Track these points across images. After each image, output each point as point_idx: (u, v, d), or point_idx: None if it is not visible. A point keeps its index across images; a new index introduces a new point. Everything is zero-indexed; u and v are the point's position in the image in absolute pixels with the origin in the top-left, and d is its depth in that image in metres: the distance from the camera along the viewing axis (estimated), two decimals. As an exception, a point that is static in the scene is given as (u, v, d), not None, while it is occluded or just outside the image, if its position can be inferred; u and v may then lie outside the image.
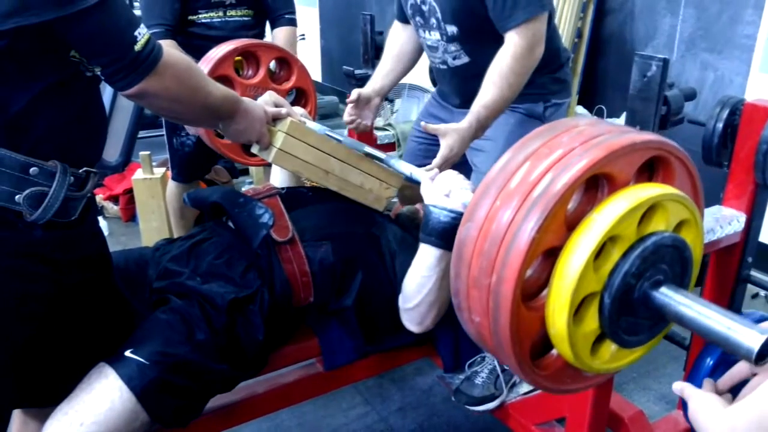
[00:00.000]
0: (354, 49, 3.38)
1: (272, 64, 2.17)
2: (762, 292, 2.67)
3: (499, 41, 1.68)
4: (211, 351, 1.26)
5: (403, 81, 2.13)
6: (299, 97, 2.21)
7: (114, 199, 3.57)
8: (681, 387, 0.81)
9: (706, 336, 0.77)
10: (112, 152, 3.74)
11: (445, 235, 1.28)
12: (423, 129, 1.71)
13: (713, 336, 0.76)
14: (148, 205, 3.05)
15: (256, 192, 1.58)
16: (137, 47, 1.02)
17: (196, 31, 2.32)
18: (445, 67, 1.91)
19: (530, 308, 0.80)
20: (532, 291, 0.81)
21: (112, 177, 3.65)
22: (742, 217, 1.40)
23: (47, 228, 1.04)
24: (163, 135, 2.55)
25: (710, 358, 1.29)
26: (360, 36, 2.53)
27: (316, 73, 5.72)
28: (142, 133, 3.85)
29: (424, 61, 2.08)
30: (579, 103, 3.46)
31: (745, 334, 0.72)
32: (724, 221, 1.37)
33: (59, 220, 1.05)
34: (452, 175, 1.37)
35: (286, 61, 2.15)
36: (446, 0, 1.75)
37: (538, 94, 1.87)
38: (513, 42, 1.65)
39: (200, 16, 2.31)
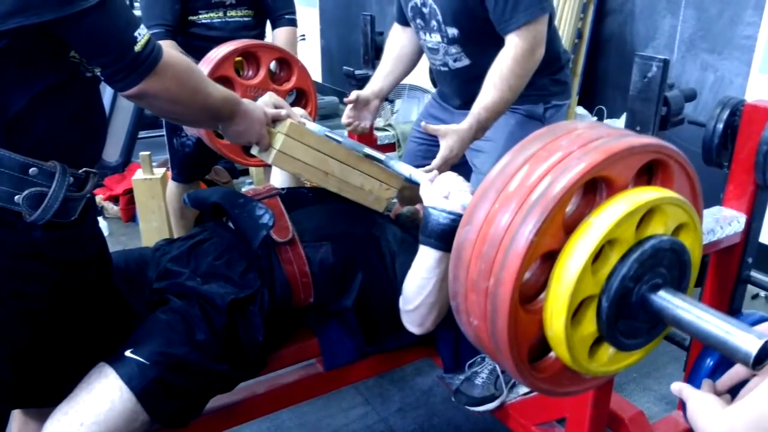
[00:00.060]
0: (354, 49, 3.39)
1: (272, 65, 2.17)
2: (762, 293, 2.67)
3: (499, 43, 1.68)
4: (211, 351, 1.26)
5: (404, 81, 2.14)
6: (300, 97, 2.20)
7: (114, 199, 3.57)
8: (679, 387, 0.81)
9: (704, 340, 0.77)
10: (112, 152, 3.76)
11: (445, 237, 1.28)
12: (423, 129, 1.71)
13: (711, 340, 0.76)
14: (148, 205, 3.05)
15: (256, 192, 1.58)
16: (137, 48, 1.02)
17: (196, 31, 2.32)
18: (446, 69, 1.91)
19: (528, 311, 0.80)
20: (530, 294, 0.81)
21: (112, 177, 3.65)
22: (742, 218, 1.40)
23: (47, 228, 1.04)
24: (163, 135, 2.54)
25: (710, 358, 1.29)
26: (360, 36, 2.54)
27: (316, 74, 5.72)
28: (142, 134, 3.87)
29: (425, 62, 2.09)
30: (579, 103, 3.46)
31: (743, 338, 0.72)
32: (724, 222, 1.37)
33: (59, 221, 1.05)
34: (451, 176, 1.37)
35: (287, 62, 2.15)
36: (447, 2, 1.75)
37: (539, 96, 1.88)
38: (513, 44, 1.65)
39: (200, 16, 2.31)
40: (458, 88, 1.95)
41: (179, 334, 1.25)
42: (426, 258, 1.35)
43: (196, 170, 2.63)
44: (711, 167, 1.41)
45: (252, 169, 3.65)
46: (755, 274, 1.50)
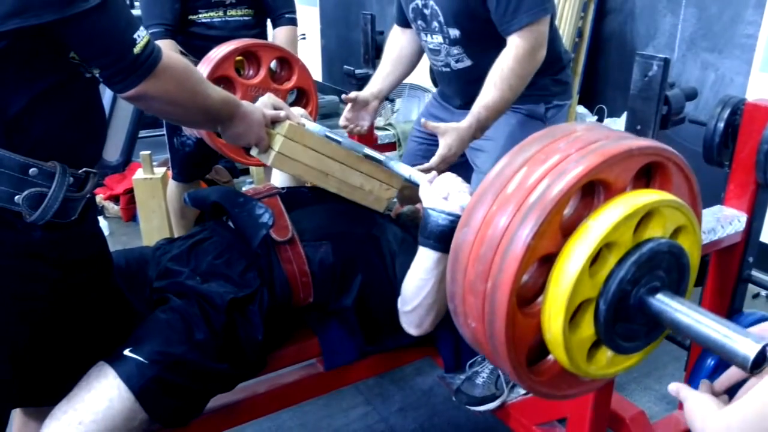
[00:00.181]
0: (355, 48, 3.39)
1: (273, 64, 2.16)
2: (763, 292, 2.67)
3: (501, 44, 1.68)
4: (210, 350, 1.26)
5: (404, 81, 2.14)
6: (300, 96, 2.20)
7: (115, 198, 3.57)
8: (677, 388, 0.81)
9: (702, 343, 0.77)
10: (112, 152, 3.75)
11: (443, 238, 1.28)
12: (423, 126, 1.70)
13: (709, 343, 0.75)
14: (148, 204, 3.05)
15: (256, 192, 1.58)
16: (136, 50, 1.02)
17: (196, 31, 2.32)
18: (447, 69, 1.91)
19: (526, 314, 0.80)
20: (528, 297, 0.81)
21: (112, 177, 3.65)
22: (743, 217, 1.40)
23: (47, 228, 1.04)
24: (163, 135, 2.55)
25: (711, 358, 1.29)
26: (360, 35, 2.53)
27: (316, 73, 5.72)
28: (142, 133, 3.87)
29: (425, 62, 2.08)
30: (580, 102, 3.46)
31: (741, 342, 0.72)
32: (725, 221, 1.37)
33: (59, 221, 1.05)
34: (450, 177, 1.37)
35: (287, 61, 2.15)
36: (448, 3, 1.75)
37: (540, 96, 1.87)
38: (515, 44, 1.65)
39: (200, 15, 2.31)
40: (459, 88, 1.94)
41: (178, 333, 1.25)
42: (425, 259, 1.35)
43: (197, 170, 2.63)
44: (712, 166, 1.41)
45: (252, 169, 3.65)
46: (756, 274, 1.49)
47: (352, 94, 1.93)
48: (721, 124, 1.36)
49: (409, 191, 1.76)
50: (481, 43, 1.77)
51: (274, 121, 1.51)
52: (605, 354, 0.85)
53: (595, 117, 3.39)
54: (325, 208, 1.62)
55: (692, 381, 1.37)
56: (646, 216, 0.79)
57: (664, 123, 1.42)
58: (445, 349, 1.60)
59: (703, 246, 0.93)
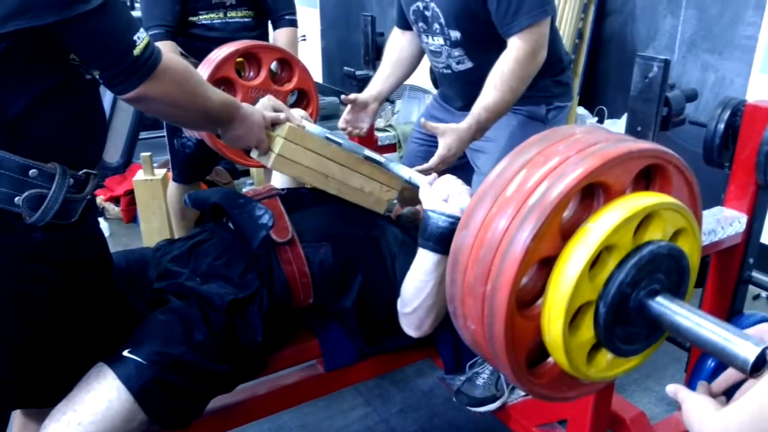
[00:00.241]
0: (355, 50, 3.39)
1: (274, 66, 2.16)
2: (763, 293, 2.66)
3: (502, 46, 1.68)
4: (209, 352, 1.26)
5: (404, 82, 2.14)
6: (301, 98, 2.20)
7: (115, 200, 3.57)
8: (674, 389, 0.81)
9: (702, 346, 0.77)
10: (113, 153, 3.75)
11: (443, 240, 1.28)
12: (422, 125, 1.70)
13: (709, 346, 0.75)
14: (149, 206, 3.05)
15: (256, 193, 1.58)
16: (136, 51, 1.02)
17: (196, 32, 2.32)
18: (448, 71, 1.91)
19: (525, 317, 0.80)
20: (527, 299, 0.81)
21: (113, 178, 3.65)
22: (743, 218, 1.40)
23: (47, 230, 1.04)
24: (164, 136, 2.55)
25: (711, 360, 1.29)
26: (361, 37, 2.54)
27: (316, 74, 5.73)
28: (143, 134, 3.86)
29: (425, 63, 2.09)
30: (580, 104, 3.46)
31: (741, 346, 0.72)
32: (725, 222, 1.37)
33: (59, 222, 1.05)
34: (450, 179, 1.37)
35: (288, 63, 2.15)
36: (449, 5, 1.75)
37: (541, 97, 1.88)
38: (516, 46, 1.65)
39: (201, 17, 2.31)
40: (461, 90, 1.94)
41: (177, 334, 1.25)
42: (424, 261, 1.35)
43: (197, 171, 2.63)
44: (712, 167, 1.41)
45: (253, 170, 3.65)
46: (756, 275, 1.50)
47: (352, 96, 1.93)
48: (722, 126, 1.36)
49: (410, 193, 1.76)
50: (482, 44, 1.77)
51: (274, 123, 1.51)
52: (605, 357, 0.85)
53: (596, 118, 3.39)
54: (325, 210, 1.62)
55: (692, 382, 1.37)
56: (645, 219, 0.79)
57: (664, 124, 1.42)
58: (445, 350, 1.60)
59: (704, 247, 0.93)
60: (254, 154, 1.53)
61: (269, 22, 2.49)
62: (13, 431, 1.38)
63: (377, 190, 1.65)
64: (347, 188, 1.62)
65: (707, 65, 2.92)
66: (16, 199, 1.00)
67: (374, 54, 2.48)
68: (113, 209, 3.56)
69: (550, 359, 0.85)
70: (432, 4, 1.79)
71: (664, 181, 0.85)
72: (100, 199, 3.51)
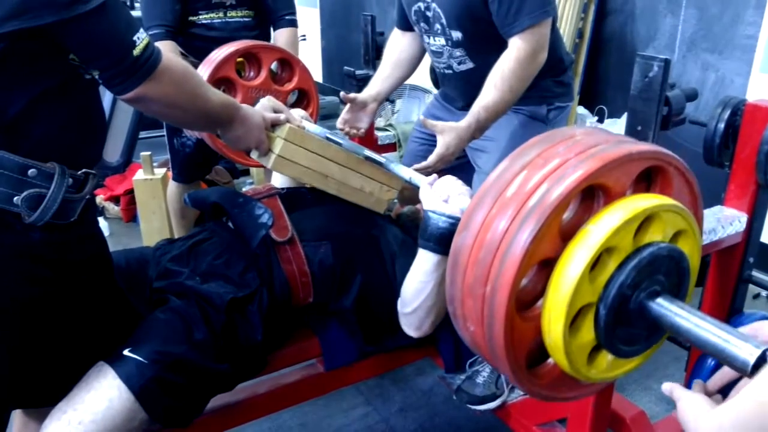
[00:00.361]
0: (355, 49, 3.39)
1: (274, 66, 2.16)
2: (764, 293, 2.66)
3: (503, 47, 1.68)
4: (209, 351, 1.26)
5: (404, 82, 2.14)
6: (301, 98, 2.20)
7: (115, 199, 3.57)
8: (670, 388, 0.81)
9: (702, 347, 0.77)
10: (112, 153, 3.76)
11: (443, 241, 1.28)
12: (422, 123, 1.70)
13: (709, 348, 0.75)
14: (149, 205, 3.05)
15: (255, 192, 1.58)
16: (136, 52, 1.02)
17: (196, 32, 2.32)
18: (450, 71, 1.91)
19: (525, 318, 0.80)
20: (527, 301, 0.81)
21: (113, 177, 3.66)
22: (743, 218, 1.40)
23: (46, 230, 1.04)
24: (163, 135, 2.55)
25: (711, 359, 1.28)
26: (361, 37, 2.53)
27: (316, 74, 5.72)
28: (142, 134, 3.87)
29: (425, 62, 2.08)
30: (580, 103, 3.46)
31: (741, 347, 0.72)
32: (725, 221, 1.37)
33: (58, 222, 1.05)
34: (451, 180, 1.36)
35: (288, 63, 2.15)
36: (450, 6, 1.75)
37: (542, 97, 1.88)
38: (517, 46, 1.65)
39: (201, 16, 2.31)
40: (462, 90, 1.94)
41: (178, 333, 1.25)
42: (424, 261, 1.35)
43: (197, 170, 2.63)
44: (712, 167, 1.41)
45: (252, 170, 3.65)
46: (756, 274, 1.49)
47: (352, 95, 1.93)
48: (722, 125, 1.36)
49: (410, 192, 1.76)
50: (484, 45, 1.77)
51: (274, 124, 1.51)
52: (605, 358, 0.85)
53: (596, 118, 3.39)
54: (324, 209, 1.62)
55: (692, 382, 1.37)
56: (646, 220, 0.79)
57: (664, 124, 1.42)
58: (445, 349, 1.60)
59: (704, 246, 0.92)
60: (254, 155, 1.53)
61: (269, 21, 2.50)
62: (13, 431, 1.38)
63: (377, 190, 1.65)
64: (347, 188, 1.62)
65: (707, 65, 2.92)
66: (15, 198, 1.00)
67: (374, 53, 2.47)
68: (113, 208, 3.56)
69: (550, 360, 0.85)
70: (433, 5, 1.79)
71: (664, 183, 0.85)
72: (99, 199, 3.51)
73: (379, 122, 3.34)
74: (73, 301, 1.14)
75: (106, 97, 3.35)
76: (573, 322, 0.79)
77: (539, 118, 1.90)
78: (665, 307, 0.80)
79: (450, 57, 1.86)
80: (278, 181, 1.88)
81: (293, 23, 2.46)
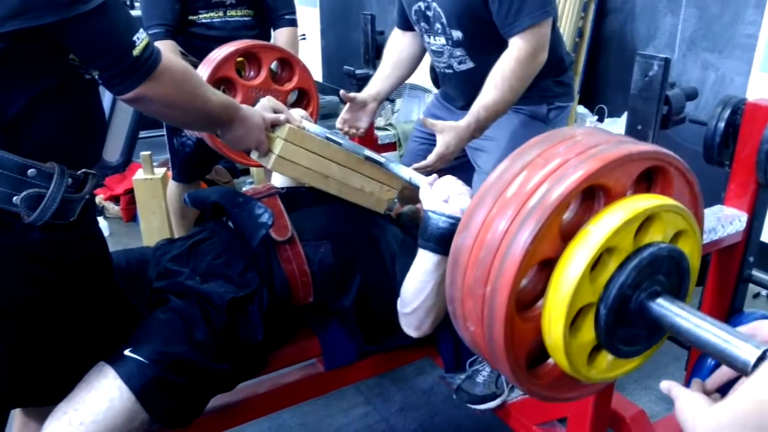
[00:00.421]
0: (355, 49, 3.38)
1: (274, 65, 2.16)
2: (764, 292, 2.66)
3: (503, 46, 1.68)
4: (210, 350, 1.26)
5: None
6: (301, 97, 2.20)
7: (115, 199, 3.57)
8: (668, 386, 0.81)
9: (702, 348, 0.77)
10: (112, 152, 3.76)
11: (443, 241, 1.28)
12: (422, 122, 1.70)
13: (709, 348, 0.75)
14: (148, 205, 3.05)
15: (255, 192, 1.58)
16: (135, 52, 1.02)
17: (196, 31, 2.32)
18: (450, 71, 1.91)
19: (525, 318, 0.80)
20: (527, 301, 0.81)
21: (112, 177, 3.66)
22: (743, 217, 1.40)
23: (45, 230, 1.04)
24: (163, 135, 2.55)
25: (711, 359, 1.28)
26: (360, 36, 2.53)
27: (316, 74, 5.71)
28: (142, 133, 3.87)
29: (425, 62, 2.08)
30: (580, 102, 3.46)
31: (742, 348, 0.72)
32: (725, 221, 1.37)
33: (57, 222, 1.05)
34: (451, 180, 1.36)
35: (288, 62, 2.15)
36: (451, 5, 1.75)
37: (542, 97, 1.88)
38: (517, 46, 1.65)
39: (200, 16, 2.31)
40: (462, 90, 1.94)
41: (178, 333, 1.25)
42: (424, 261, 1.35)
43: (197, 170, 2.63)
44: (712, 166, 1.41)
45: (252, 169, 3.65)
46: (756, 273, 1.49)
47: (352, 94, 1.93)
48: (722, 124, 1.36)
49: (410, 192, 1.76)
50: (484, 45, 1.77)
51: (274, 125, 1.51)
52: (606, 358, 0.85)
53: (596, 117, 3.39)
54: (324, 208, 1.62)
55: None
56: (646, 221, 0.79)
57: (664, 123, 1.42)
58: (445, 349, 1.60)
59: (704, 246, 0.92)
60: (254, 155, 1.53)
61: (269, 21, 2.49)
62: (13, 430, 1.38)
63: (377, 190, 1.65)
64: (347, 188, 1.62)
65: (707, 64, 2.92)
66: (15, 198, 1.00)
67: (374, 53, 2.47)
68: (113, 208, 3.56)
69: (551, 360, 0.85)
70: (434, 5, 1.79)
71: (665, 183, 0.85)
72: (99, 198, 3.51)
73: (379, 122, 3.34)
74: (73, 301, 1.14)
75: (106, 97, 3.35)
76: (573, 323, 0.79)
77: (539, 117, 1.90)
78: (665, 308, 0.80)
79: (450, 56, 1.86)
80: (278, 180, 1.88)
81: (293, 23, 2.46)
